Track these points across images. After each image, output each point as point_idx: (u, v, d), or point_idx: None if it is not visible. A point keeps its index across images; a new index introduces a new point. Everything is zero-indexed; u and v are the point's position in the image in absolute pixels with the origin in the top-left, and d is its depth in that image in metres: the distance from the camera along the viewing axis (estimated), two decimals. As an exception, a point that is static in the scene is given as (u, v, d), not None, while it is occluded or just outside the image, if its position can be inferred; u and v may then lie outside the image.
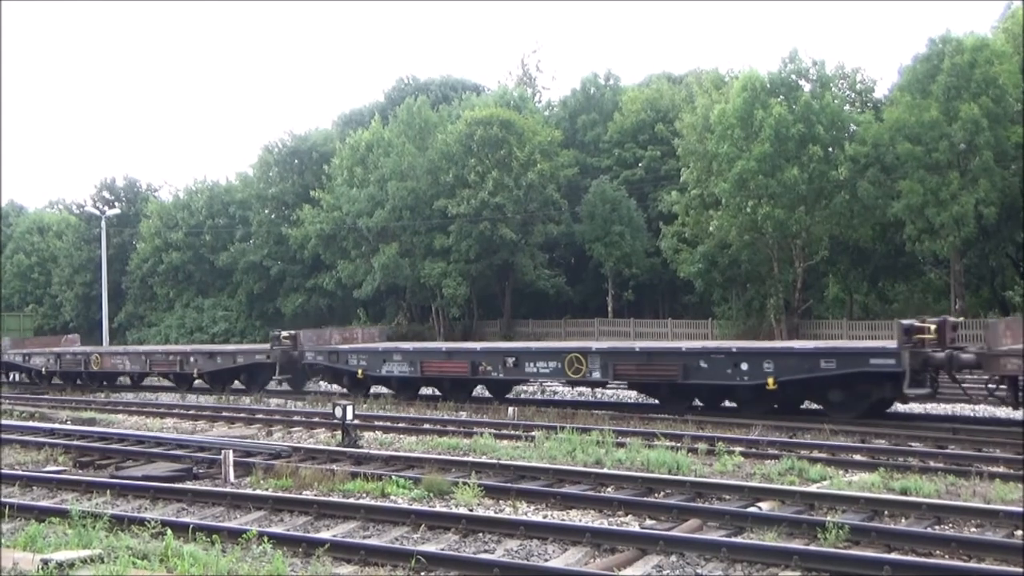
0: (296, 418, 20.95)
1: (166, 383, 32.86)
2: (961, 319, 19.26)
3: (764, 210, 37.50)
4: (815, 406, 19.93)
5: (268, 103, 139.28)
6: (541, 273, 49.15)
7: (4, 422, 21.33)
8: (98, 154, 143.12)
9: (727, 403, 21.29)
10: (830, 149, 38.79)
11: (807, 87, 40.01)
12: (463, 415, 21.30)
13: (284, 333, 27.91)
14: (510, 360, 22.70)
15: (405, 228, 49.23)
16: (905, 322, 17.90)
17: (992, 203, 34.50)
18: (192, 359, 30.19)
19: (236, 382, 29.94)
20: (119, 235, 65.69)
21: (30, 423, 21.73)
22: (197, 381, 30.74)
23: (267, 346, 28.55)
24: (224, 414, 22.46)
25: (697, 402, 21.26)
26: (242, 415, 22.10)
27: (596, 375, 21.36)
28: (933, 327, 17.29)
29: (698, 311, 46.94)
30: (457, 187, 47.57)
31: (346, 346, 27.00)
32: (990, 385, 17.33)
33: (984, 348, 17.15)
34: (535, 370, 22.52)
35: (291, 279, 57.81)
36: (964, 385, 19.11)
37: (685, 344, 24.04)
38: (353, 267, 51.14)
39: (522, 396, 26.15)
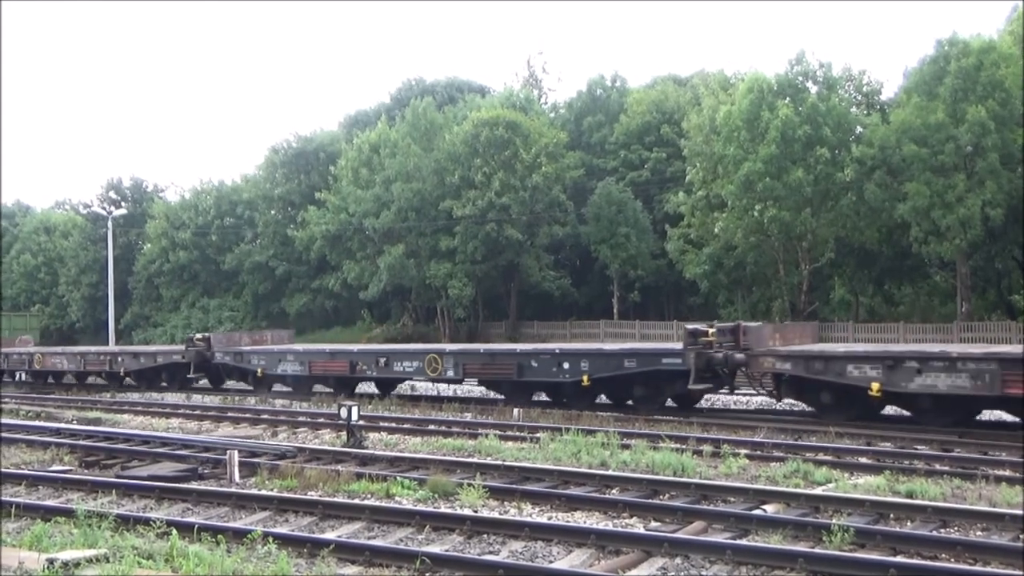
0: (301, 419, 20.95)
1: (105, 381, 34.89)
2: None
3: (770, 212, 37.46)
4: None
5: (274, 104, 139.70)
6: (546, 274, 49.17)
7: (11, 422, 21.40)
8: (105, 155, 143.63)
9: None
10: (836, 151, 38.77)
11: (814, 89, 39.99)
12: (468, 416, 21.31)
13: (198, 336, 30.70)
14: (382, 360, 25.33)
15: (411, 229, 49.25)
16: (690, 326, 20.44)
17: (998, 205, 34.45)
18: (120, 359, 32.66)
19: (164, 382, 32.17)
20: (125, 235, 65.89)
21: (36, 423, 21.77)
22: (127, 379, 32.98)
23: (183, 347, 30.97)
24: (229, 414, 22.48)
25: (544, 396, 23.65)
26: (247, 415, 22.12)
27: (450, 373, 23.96)
28: (711, 331, 19.72)
29: (703, 313, 46.88)
30: (463, 188, 47.61)
31: (248, 348, 29.43)
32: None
33: (749, 349, 19.31)
34: (402, 368, 25.09)
35: (297, 280, 57.94)
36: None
37: (519, 346, 27.52)
38: (359, 268, 51.19)
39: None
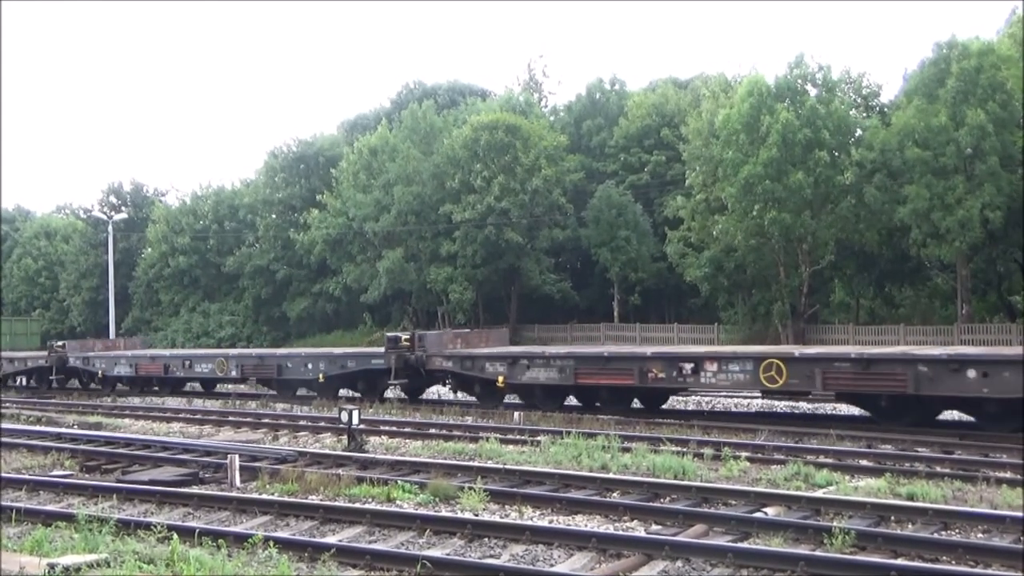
0: (302, 423, 20.97)
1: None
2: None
3: (770, 214, 37.44)
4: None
5: (274, 108, 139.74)
6: (547, 278, 49.12)
7: (12, 427, 21.39)
8: (105, 159, 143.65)
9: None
10: (836, 154, 38.75)
11: (813, 92, 39.98)
12: (469, 420, 21.33)
13: (58, 343, 35.43)
14: (187, 363, 30.43)
15: (411, 233, 49.24)
16: (391, 334, 25.40)
17: (998, 208, 34.43)
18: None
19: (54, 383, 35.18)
20: (126, 240, 65.84)
21: (37, 427, 21.77)
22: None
23: (45, 353, 35.13)
24: (230, 419, 22.47)
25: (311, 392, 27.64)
26: (248, 419, 22.11)
27: (233, 373, 28.98)
28: (405, 337, 24.57)
29: (704, 315, 46.89)
30: (463, 192, 47.60)
31: (92, 353, 33.96)
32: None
33: (426, 351, 23.93)
34: (201, 370, 29.92)
35: (297, 283, 57.89)
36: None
37: (279, 351, 32.43)
38: (359, 271, 51.16)
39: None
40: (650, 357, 20.59)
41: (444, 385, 25.87)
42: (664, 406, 23.20)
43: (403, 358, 23.90)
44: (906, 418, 18.07)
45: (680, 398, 25.08)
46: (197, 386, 32.97)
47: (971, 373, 16.63)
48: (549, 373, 21.76)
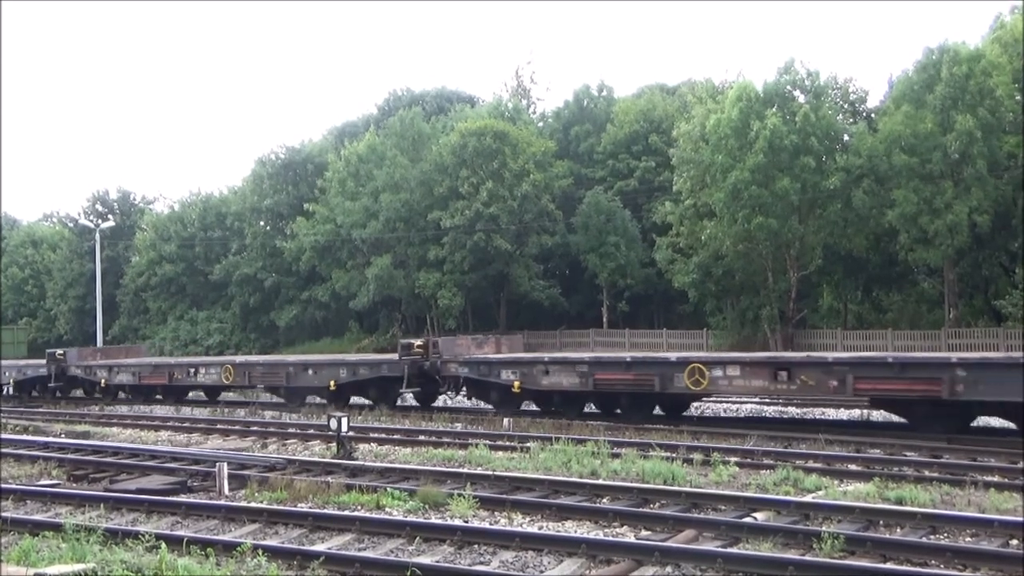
0: (291, 430, 20.89)
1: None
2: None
3: (757, 220, 37.54)
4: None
5: (262, 115, 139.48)
6: (536, 284, 49.11)
7: (-2, 436, 21.25)
8: (92, 167, 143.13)
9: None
10: (823, 159, 38.89)
11: (802, 98, 40.12)
12: (458, 426, 21.30)
13: None
14: None
15: (399, 239, 49.20)
16: (50, 351, 34.01)
17: (985, 212, 34.61)
18: None
19: None
20: (113, 248, 65.60)
21: (24, 436, 21.63)
22: None
23: None
24: (218, 427, 22.41)
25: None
26: (236, 427, 22.04)
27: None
28: (59, 352, 33.36)
29: (693, 321, 46.96)
30: (451, 198, 47.58)
31: None
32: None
33: (67, 363, 32.71)
34: None
35: (286, 291, 57.73)
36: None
37: (6, 362, 39.54)
38: (347, 278, 51.08)
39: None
40: (173, 365, 30.80)
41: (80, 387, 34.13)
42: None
43: (60, 367, 32.82)
44: (342, 400, 26.48)
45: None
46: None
47: (362, 370, 25.71)
48: (129, 376, 30.97)
